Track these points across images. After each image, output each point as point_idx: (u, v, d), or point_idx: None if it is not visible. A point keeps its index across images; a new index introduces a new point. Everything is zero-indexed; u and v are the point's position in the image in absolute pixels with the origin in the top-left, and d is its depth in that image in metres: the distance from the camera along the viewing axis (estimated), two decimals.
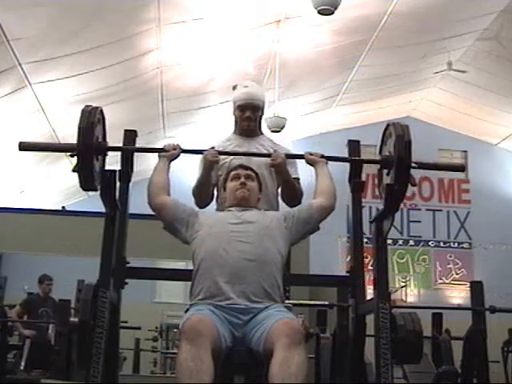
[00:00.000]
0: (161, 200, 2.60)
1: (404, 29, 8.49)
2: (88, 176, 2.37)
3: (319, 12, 6.29)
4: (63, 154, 2.33)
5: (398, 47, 9.15)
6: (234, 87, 3.16)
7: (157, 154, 2.76)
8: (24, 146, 2.55)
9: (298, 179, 3.07)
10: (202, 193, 2.98)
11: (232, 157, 3.00)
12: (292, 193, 2.99)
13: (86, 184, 2.40)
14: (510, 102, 10.82)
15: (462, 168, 2.86)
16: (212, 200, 3.07)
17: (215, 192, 3.09)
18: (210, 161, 2.81)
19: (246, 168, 2.75)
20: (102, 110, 2.49)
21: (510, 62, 9.46)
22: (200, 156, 2.94)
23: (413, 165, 2.46)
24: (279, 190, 3.09)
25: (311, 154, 2.80)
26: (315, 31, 8.03)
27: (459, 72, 9.75)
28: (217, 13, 7.12)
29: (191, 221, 2.55)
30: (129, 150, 2.72)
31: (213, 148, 2.89)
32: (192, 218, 2.56)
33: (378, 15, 8.06)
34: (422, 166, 2.67)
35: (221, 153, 2.91)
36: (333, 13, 6.31)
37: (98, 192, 2.49)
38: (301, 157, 2.83)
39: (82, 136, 2.35)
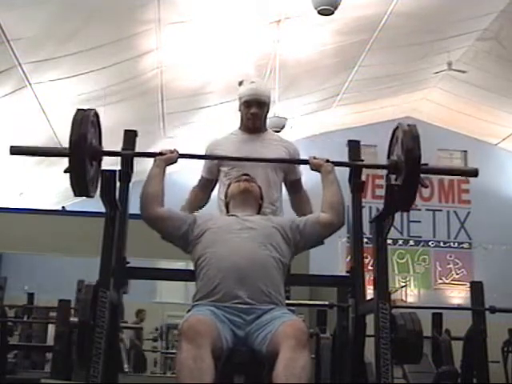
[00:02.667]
0: (154, 213, 2.50)
1: (404, 29, 8.49)
2: (80, 181, 2.31)
3: (319, 12, 6.30)
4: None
5: (398, 47, 9.16)
6: (240, 83, 3.13)
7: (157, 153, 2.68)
8: (15, 151, 2.50)
9: (299, 179, 3.14)
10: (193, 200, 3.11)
11: (233, 152, 2.99)
12: (303, 207, 3.10)
13: (79, 190, 2.33)
14: (510, 102, 10.83)
15: (475, 173, 2.65)
16: (207, 202, 3.14)
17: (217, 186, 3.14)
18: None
19: (248, 175, 2.74)
20: (96, 113, 2.42)
21: (510, 62, 9.46)
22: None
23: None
24: (282, 193, 3.13)
25: (315, 158, 2.69)
26: (315, 31, 8.03)
27: (459, 72, 9.76)
28: (217, 13, 7.13)
29: (190, 229, 2.50)
30: (125, 154, 2.63)
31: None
32: (190, 226, 2.50)
33: (378, 15, 8.07)
34: (434, 171, 2.61)
35: (227, 158, 2.97)
36: (333, 13, 6.31)
37: (98, 192, 2.48)
38: (305, 162, 2.75)
39: (74, 140, 2.28)
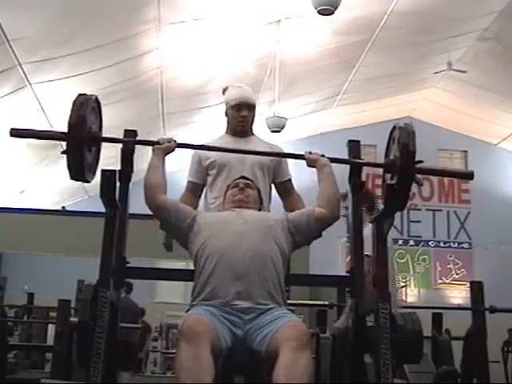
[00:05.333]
0: (161, 202, 2.53)
1: (404, 29, 8.49)
2: (76, 163, 2.31)
3: (319, 12, 6.29)
4: (63, 154, 2.29)
5: (398, 47, 9.16)
6: (225, 90, 3.21)
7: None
8: (15, 133, 2.47)
9: (290, 180, 3.14)
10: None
11: (222, 154, 2.99)
12: (296, 207, 3.03)
13: (75, 172, 2.33)
14: (510, 102, 10.82)
15: (471, 176, 2.65)
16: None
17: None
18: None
19: (247, 178, 2.75)
20: (97, 99, 2.43)
21: (510, 62, 9.46)
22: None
23: (417, 177, 2.39)
24: (271, 194, 3.14)
25: (311, 153, 2.72)
26: (315, 31, 8.03)
27: (459, 72, 9.76)
28: (217, 13, 7.13)
29: (191, 223, 2.52)
30: (125, 141, 2.64)
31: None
32: (191, 221, 2.53)
33: (378, 15, 8.07)
34: (428, 172, 2.61)
35: (215, 149, 2.95)
36: (333, 13, 6.30)
37: (99, 192, 2.48)
38: (301, 157, 2.76)
39: (73, 121, 2.28)
